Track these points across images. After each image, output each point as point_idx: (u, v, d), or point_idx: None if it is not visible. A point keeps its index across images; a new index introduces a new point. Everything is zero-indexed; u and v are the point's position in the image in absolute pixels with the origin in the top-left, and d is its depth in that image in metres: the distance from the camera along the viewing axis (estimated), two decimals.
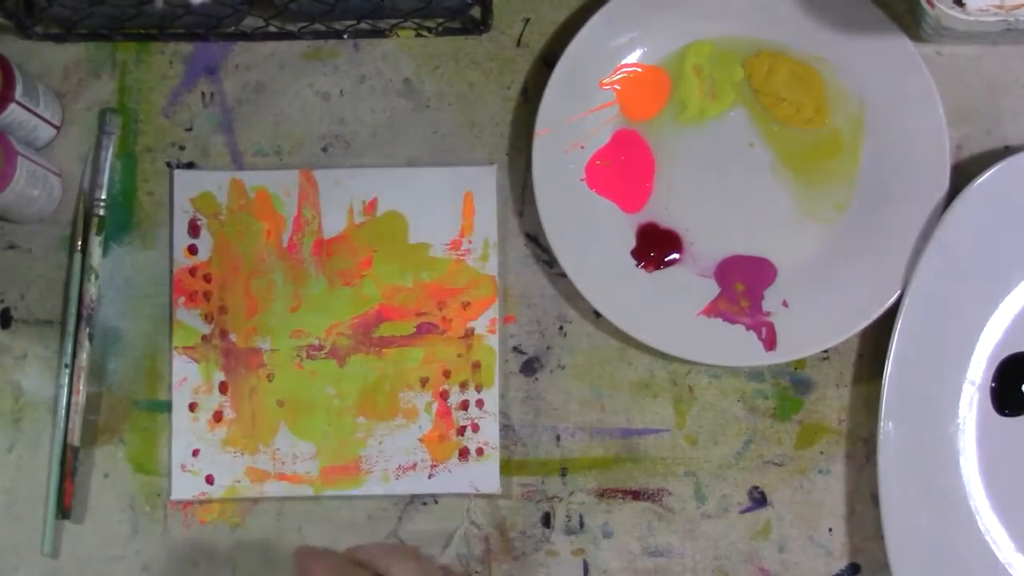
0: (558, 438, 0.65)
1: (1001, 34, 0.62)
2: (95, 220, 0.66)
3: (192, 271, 0.65)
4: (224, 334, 0.65)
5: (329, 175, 0.66)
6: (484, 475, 0.64)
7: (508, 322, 0.66)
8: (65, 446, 0.64)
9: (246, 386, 0.65)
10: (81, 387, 0.64)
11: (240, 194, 0.66)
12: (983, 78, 0.66)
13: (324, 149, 0.67)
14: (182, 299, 0.65)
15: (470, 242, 0.65)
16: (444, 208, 0.65)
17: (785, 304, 0.64)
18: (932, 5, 0.59)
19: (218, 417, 0.64)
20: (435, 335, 0.65)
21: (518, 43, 0.67)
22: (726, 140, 0.65)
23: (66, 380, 0.65)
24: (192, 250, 0.66)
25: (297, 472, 0.64)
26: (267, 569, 0.65)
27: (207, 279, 0.65)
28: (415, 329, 0.65)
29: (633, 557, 0.65)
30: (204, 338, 0.65)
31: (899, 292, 0.63)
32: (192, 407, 0.65)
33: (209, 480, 0.64)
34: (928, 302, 0.62)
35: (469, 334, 0.65)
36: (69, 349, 0.65)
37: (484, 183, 0.65)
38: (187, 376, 0.65)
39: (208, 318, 0.65)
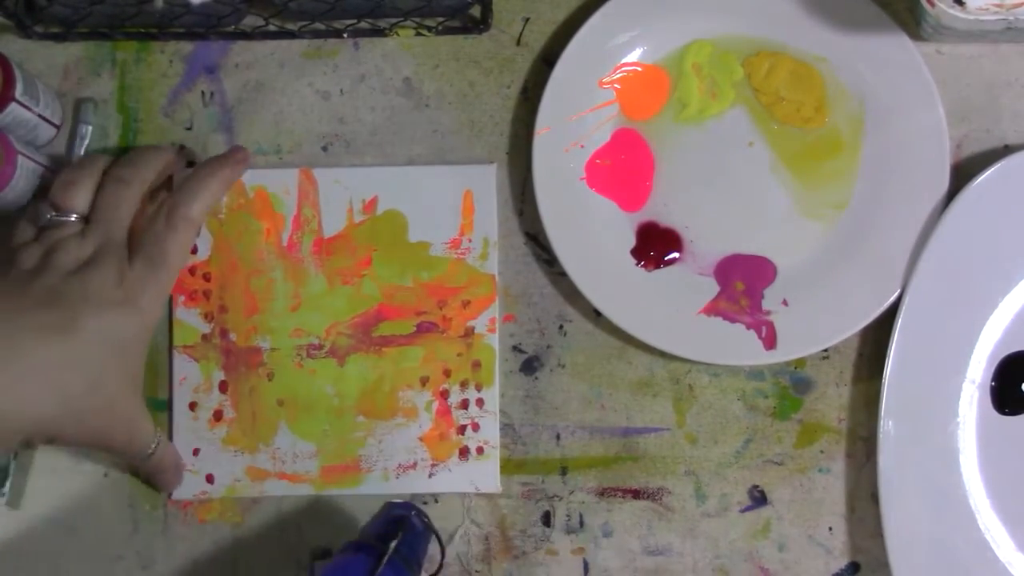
0: (558, 437, 0.65)
1: (1001, 33, 0.62)
2: None
3: (192, 270, 0.65)
4: (224, 333, 0.65)
5: (329, 174, 0.66)
6: (484, 474, 0.64)
7: (508, 321, 0.66)
8: None
9: (246, 385, 0.65)
10: None
11: (239, 193, 0.65)
12: (983, 78, 0.66)
13: (324, 148, 0.67)
14: (182, 298, 0.65)
15: (470, 241, 0.65)
16: (444, 207, 0.65)
17: (785, 303, 0.64)
18: (932, 4, 0.59)
19: (218, 416, 0.64)
20: (435, 334, 0.64)
21: (518, 42, 0.67)
22: (726, 139, 0.65)
23: None
24: (191, 249, 0.65)
25: (297, 471, 0.64)
26: (267, 569, 0.65)
27: (207, 278, 0.65)
28: (415, 328, 0.65)
29: (633, 556, 0.65)
30: (204, 337, 0.65)
31: (899, 291, 0.63)
32: (192, 406, 0.65)
33: (209, 479, 0.64)
34: (928, 301, 0.62)
35: (469, 333, 0.64)
36: None
37: (484, 182, 0.65)
38: (187, 375, 0.65)
39: (208, 317, 0.65)
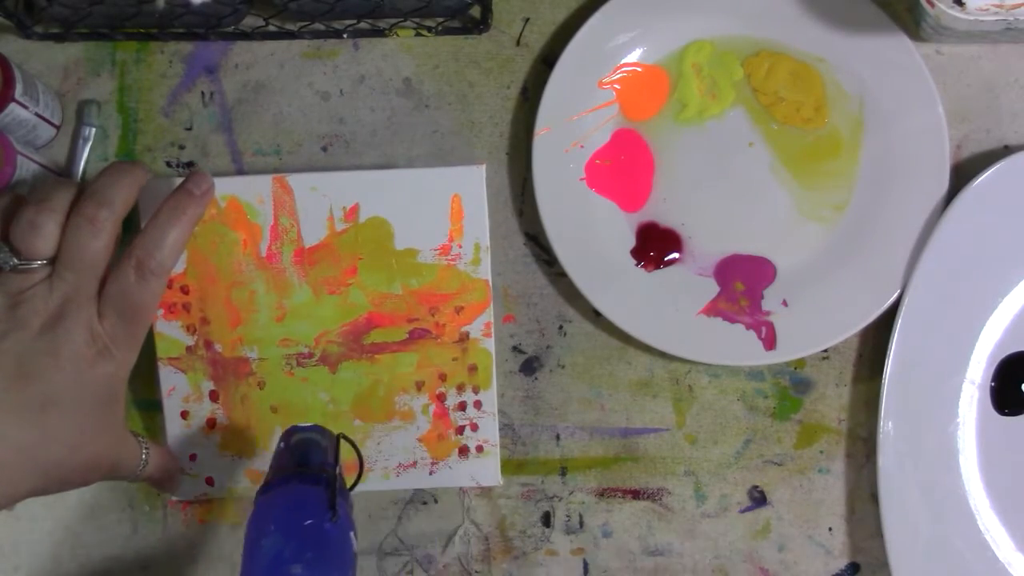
0: (558, 437, 0.65)
1: (1001, 34, 0.62)
2: None
3: (168, 283, 0.62)
4: (209, 344, 0.64)
5: (305, 181, 0.63)
6: (485, 469, 0.64)
7: (508, 321, 0.66)
8: None
9: (237, 394, 0.64)
10: None
11: (211, 203, 0.63)
12: (983, 78, 0.66)
13: (324, 149, 0.67)
14: (160, 311, 0.63)
15: (460, 246, 0.63)
16: (430, 212, 0.63)
17: (785, 304, 0.64)
18: (932, 5, 0.59)
19: (212, 424, 0.64)
20: (428, 340, 0.63)
21: (518, 42, 0.67)
22: (726, 140, 0.65)
23: None
24: None
25: None
26: None
27: (184, 291, 0.63)
28: (407, 335, 0.63)
29: (633, 556, 0.65)
30: (189, 349, 0.63)
31: (899, 292, 0.63)
32: (184, 415, 0.64)
33: (210, 482, 0.64)
34: (928, 301, 0.62)
35: (464, 338, 0.63)
36: None
37: (472, 184, 0.63)
38: (176, 386, 0.64)
39: (190, 329, 0.63)
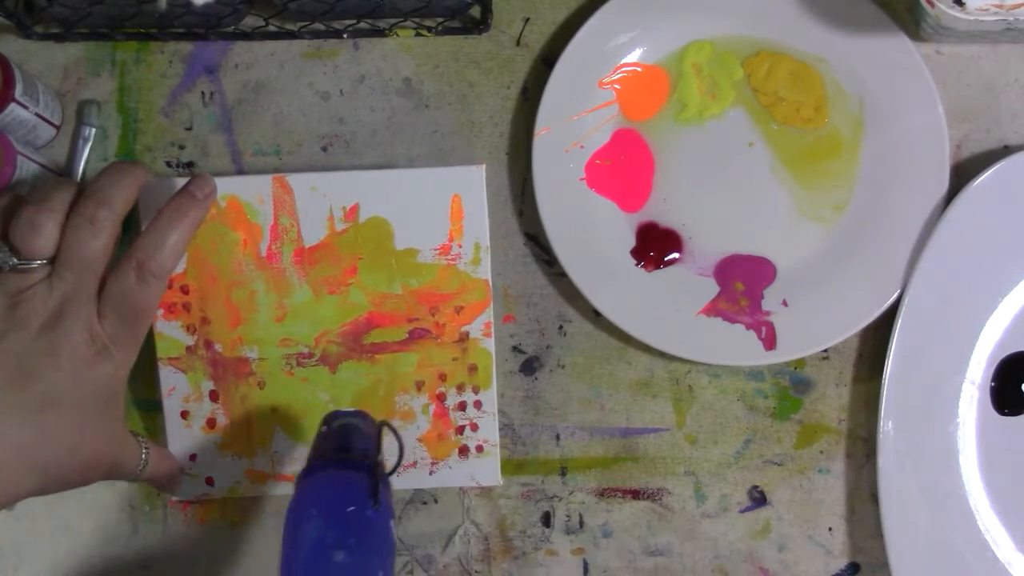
0: (558, 437, 0.65)
1: (1001, 33, 0.62)
2: None
3: (168, 283, 0.61)
4: (209, 344, 0.63)
5: (305, 180, 0.63)
6: (485, 469, 0.64)
7: (508, 321, 0.66)
8: None
9: (237, 394, 0.64)
10: None
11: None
12: (983, 78, 0.66)
13: (324, 149, 0.67)
14: (160, 311, 0.63)
15: (460, 246, 0.63)
16: (430, 212, 0.63)
17: (785, 304, 0.64)
18: (932, 4, 0.59)
19: (212, 424, 0.64)
20: (429, 340, 0.63)
21: (518, 42, 0.67)
22: (726, 140, 0.65)
23: None
24: None
25: (297, 472, 0.64)
26: (267, 569, 0.65)
27: (184, 290, 0.63)
28: (408, 335, 0.63)
29: (633, 556, 0.65)
30: (189, 349, 0.63)
31: (899, 292, 0.63)
32: (184, 415, 0.64)
33: (209, 482, 0.64)
34: (928, 302, 0.62)
35: (464, 338, 0.63)
36: None
37: (472, 184, 0.63)
38: (176, 385, 0.64)
39: (190, 329, 0.63)
